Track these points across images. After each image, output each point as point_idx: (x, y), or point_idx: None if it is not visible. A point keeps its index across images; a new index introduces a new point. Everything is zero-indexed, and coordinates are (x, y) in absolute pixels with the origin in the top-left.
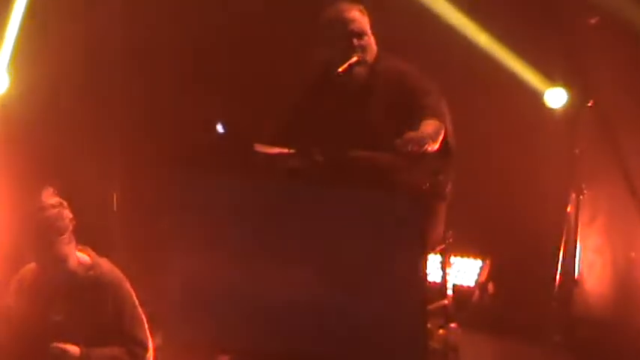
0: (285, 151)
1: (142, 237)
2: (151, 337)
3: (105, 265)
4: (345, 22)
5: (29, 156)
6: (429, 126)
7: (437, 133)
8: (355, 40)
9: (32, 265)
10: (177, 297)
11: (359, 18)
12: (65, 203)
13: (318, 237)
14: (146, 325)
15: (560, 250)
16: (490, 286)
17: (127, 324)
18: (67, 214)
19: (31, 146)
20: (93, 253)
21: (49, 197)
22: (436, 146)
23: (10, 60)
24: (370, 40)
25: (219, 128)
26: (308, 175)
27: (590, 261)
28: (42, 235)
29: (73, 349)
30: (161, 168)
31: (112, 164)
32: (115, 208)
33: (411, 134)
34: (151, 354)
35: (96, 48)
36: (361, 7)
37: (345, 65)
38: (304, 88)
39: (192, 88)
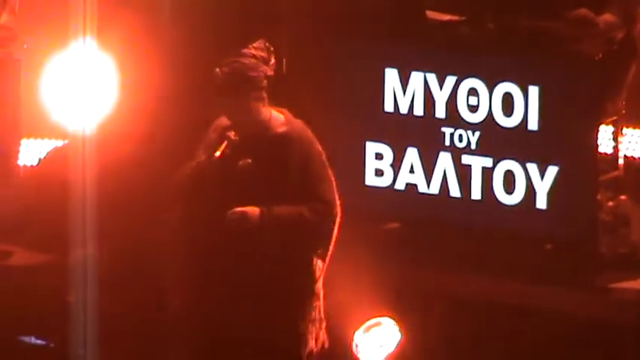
0: (457, 17)
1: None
2: None
3: (298, 124)
4: None
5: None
6: None
7: None
8: None
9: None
10: None
11: None
12: (269, 59)
13: None
14: (334, 186)
15: None
16: None
17: (311, 181)
18: (265, 69)
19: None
20: (288, 113)
21: (253, 48)
22: None
23: None
24: None
25: None
26: (478, 42)
27: None
28: (236, 82)
29: (252, 209)
30: (327, 34)
31: (280, 28)
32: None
33: None
34: (337, 211)
35: None
36: None
37: None
38: None
39: None
